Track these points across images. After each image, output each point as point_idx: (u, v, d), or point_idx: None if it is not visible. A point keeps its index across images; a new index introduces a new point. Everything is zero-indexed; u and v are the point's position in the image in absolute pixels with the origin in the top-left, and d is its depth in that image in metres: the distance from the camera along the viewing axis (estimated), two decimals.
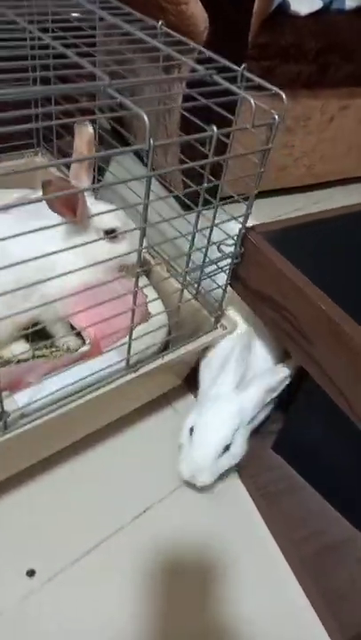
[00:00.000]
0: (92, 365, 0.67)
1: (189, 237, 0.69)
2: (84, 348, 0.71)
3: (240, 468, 0.80)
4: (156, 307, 0.79)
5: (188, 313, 0.81)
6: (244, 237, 0.72)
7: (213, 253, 0.73)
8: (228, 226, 0.71)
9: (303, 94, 1.28)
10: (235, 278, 0.77)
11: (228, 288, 0.78)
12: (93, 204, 0.75)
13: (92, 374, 0.66)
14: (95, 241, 0.66)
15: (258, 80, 0.63)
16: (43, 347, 0.80)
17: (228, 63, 0.65)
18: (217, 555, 0.71)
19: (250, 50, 1.11)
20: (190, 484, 0.75)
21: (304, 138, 1.37)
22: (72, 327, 0.77)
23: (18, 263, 0.47)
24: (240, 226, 0.70)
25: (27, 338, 0.81)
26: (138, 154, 1.43)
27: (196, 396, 0.88)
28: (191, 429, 0.73)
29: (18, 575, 0.65)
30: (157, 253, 0.90)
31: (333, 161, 1.50)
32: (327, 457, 0.77)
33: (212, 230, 0.70)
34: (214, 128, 0.56)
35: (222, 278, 0.77)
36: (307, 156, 1.42)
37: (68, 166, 0.85)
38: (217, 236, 0.72)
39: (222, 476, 0.76)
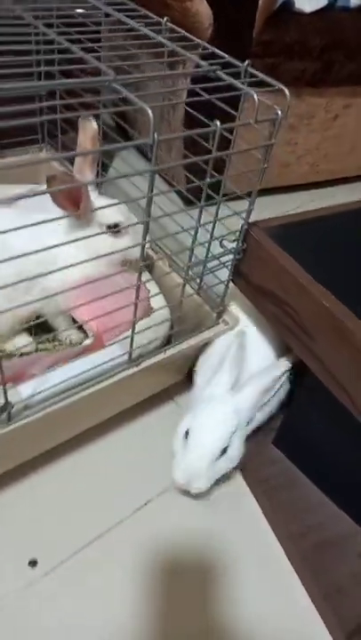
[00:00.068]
0: (94, 359, 0.67)
1: (192, 232, 0.69)
2: (87, 342, 0.71)
3: (241, 463, 0.80)
4: (158, 301, 0.80)
5: (190, 308, 0.81)
6: (246, 233, 0.73)
7: (215, 249, 0.74)
8: (230, 221, 0.72)
9: (307, 92, 1.28)
10: (237, 274, 0.78)
11: (230, 283, 0.79)
12: (97, 199, 0.75)
13: (95, 367, 0.66)
14: (98, 234, 0.67)
15: (261, 76, 0.64)
16: (45, 340, 0.81)
17: (231, 59, 0.66)
18: (217, 548, 0.72)
19: (254, 47, 1.12)
20: (185, 492, 0.72)
21: (308, 136, 1.37)
22: (75, 321, 0.77)
23: (19, 256, 0.47)
24: (243, 221, 0.71)
25: (30, 332, 0.82)
26: (142, 151, 1.44)
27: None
28: (186, 433, 0.71)
29: (20, 565, 0.66)
30: (160, 249, 0.90)
31: (337, 159, 1.50)
32: (328, 452, 0.78)
33: (214, 225, 0.70)
34: (218, 123, 0.57)
35: (224, 274, 0.78)
36: (310, 154, 1.42)
37: (72, 162, 0.86)
38: (219, 231, 0.72)
39: (222, 475, 0.74)
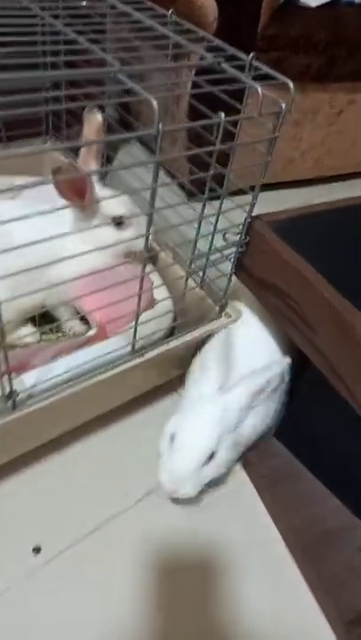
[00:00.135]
0: (98, 349, 0.68)
1: (195, 225, 0.69)
2: (91, 333, 0.72)
3: (243, 456, 0.81)
4: (161, 293, 0.80)
5: (192, 301, 0.82)
6: (249, 226, 0.73)
7: (218, 242, 0.74)
8: (233, 215, 0.72)
9: (312, 87, 1.28)
10: (239, 267, 0.78)
11: (233, 277, 0.79)
12: (101, 191, 0.76)
13: (98, 358, 0.67)
14: (102, 225, 0.67)
15: (266, 69, 0.64)
16: (49, 331, 0.81)
17: (236, 52, 0.66)
18: (218, 540, 0.73)
19: (259, 41, 1.11)
20: (172, 497, 0.70)
21: (312, 131, 1.37)
22: (78, 314, 0.78)
23: (23, 245, 0.48)
24: (246, 215, 0.71)
25: (33, 323, 0.82)
26: (146, 144, 1.44)
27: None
28: (172, 436, 0.67)
29: (24, 552, 0.66)
30: (165, 244, 0.91)
31: (341, 155, 1.50)
32: (329, 445, 0.78)
33: (218, 218, 0.70)
34: (222, 115, 0.57)
35: (227, 267, 0.78)
36: (314, 149, 1.42)
37: (77, 155, 0.86)
38: (222, 225, 0.73)
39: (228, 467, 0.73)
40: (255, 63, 0.64)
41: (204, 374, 0.71)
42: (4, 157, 0.73)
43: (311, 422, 0.80)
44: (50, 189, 0.68)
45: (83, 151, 0.78)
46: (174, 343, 0.75)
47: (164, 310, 0.78)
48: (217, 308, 0.81)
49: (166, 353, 0.74)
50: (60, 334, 0.83)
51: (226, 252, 0.75)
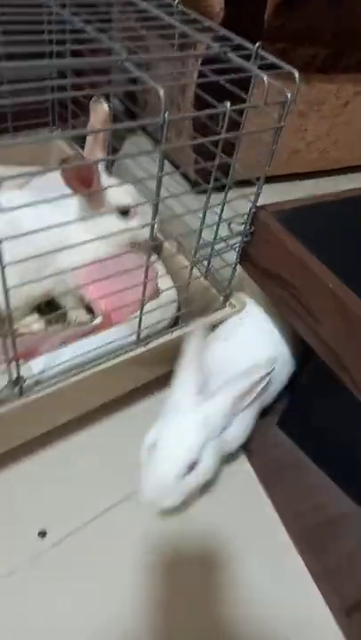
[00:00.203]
0: (103, 337, 0.69)
1: (200, 215, 0.70)
2: (97, 321, 0.73)
3: (246, 445, 0.82)
4: (165, 282, 0.81)
5: (197, 291, 0.82)
6: (254, 216, 0.73)
7: (223, 233, 0.74)
8: (238, 206, 0.72)
9: (318, 78, 1.28)
10: (244, 257, 0.78)
11: (238, 267, 0.80)
12: (107, 181, 0.76)
13: (104, 346, 0.68)
14: (107, 213, 0.68)
15: (271, 58, 0.64)
16: (54, 319, 0.82)
17: (242, 41, 0.66)
18: (221, 528, 0.73)
19: (265, 32, 1.11)
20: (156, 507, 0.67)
21: (318, 122, 1.36)
22: (84, 304, 0.79)
23: (30, 232, 0.48)
24: (251, 205, 0.71)
25: (40, 313, 0.83)
26: (152, 136, 1.44)
27: None
28: (153, 445, 0.64)
29: (30, 536, 0.68)
30: (170, 234, 0.91)
31: (347, 147, 1.50)
32: (332, 435, 0.79)
33: (223, 207, 0.71)
34: (227, 104, 0.58)
35: (231, 257, 0.78)
36: (320, 141, 1.41)
37: (83, 147, 0.87)
38: (227, 215, 0.73)
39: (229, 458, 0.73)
40: (261, 53, 0.65)
41: (181, 380, 0.68)
42: (12, 145, 0.73)
43: (313, 412, 0.81)
44: (57, 180, 0.69)
45: (89, 141, 0.79)
46: (178, 333, 0.76)
47: (168, 300, 0.78)
48: (221, 298, 0.82)
49: (170, 343, 0.74)
50: (65, 324, 0.84)
51: (231, 242, 0.75)
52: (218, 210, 0.71)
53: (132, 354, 0.71)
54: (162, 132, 0.51)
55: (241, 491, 0.79)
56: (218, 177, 0.68)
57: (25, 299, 0.74)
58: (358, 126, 1.45)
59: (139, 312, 0.69)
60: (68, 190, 0.70)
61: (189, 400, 0.65)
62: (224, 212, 0.72)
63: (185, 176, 1.21)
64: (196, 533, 0.72)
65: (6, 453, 0.72)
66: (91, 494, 0.73)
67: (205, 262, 0.81)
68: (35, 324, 0.78)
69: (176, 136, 1.26)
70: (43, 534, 0.67)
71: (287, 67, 0.62)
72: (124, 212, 0.76)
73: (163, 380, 0.90)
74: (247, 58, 0.64)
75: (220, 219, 0.72)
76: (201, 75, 0.69)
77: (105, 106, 0.75)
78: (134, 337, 0.71)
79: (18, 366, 0.57)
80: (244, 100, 0.65)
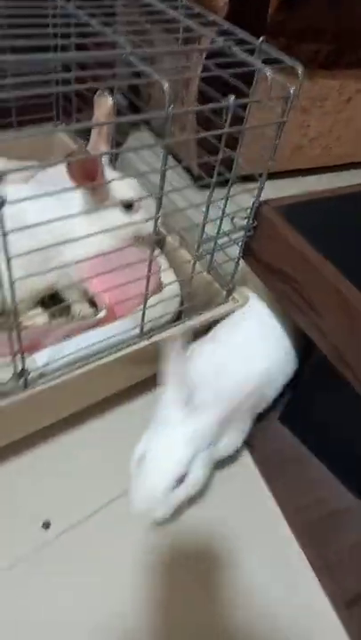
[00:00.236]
0: (107, 331, 0.69)
1: (203, 210, 0.70)
2: (101, 314, 0.73)
3: (248, 439, 0.82)
4: (168, 276, 0.81)
5: (200, 285, 0.83)
6: (257, 211, 0.73)
7: (226, 227, 0.75)
8: (241, 201, 0.73)
9: (320, 74, 1.27)
10: (247, 251, 0.79)
11: (241, 262, 0.80)
12: (111, 175, 0.76)
13: (108, 339, 0.68)
14: (111, 206, 0.68)
15: (275, 52, 0.64)
16: (58, 312, 0.82)
17: (246, 36, 0.66)
18: (223, 521, 0.73)
19: (268, 27, 1.11)
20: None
21: (320, 118, 1.36)
22: (88, 298, 0.79)
23: (34, 225, 0.49)
24: (254, 199, 0.71)
25: (43, 307, 0.84)
26: (155, 131, 1.44)
27: None
28: (142, 457, 0.63)
29: (34, 526, 0.68)
30: (172, 228, 0.91)
31: (350, 143, 1.49)
32: (334, 430, 0.79)
33: (226, 202, 0.71)
34: (231, 98, 0.58)
35: (234, 252, 0.79)
36: (323, 137, 1.41)
37: (87, 141, 0.87)
38: (231, 209, 0.73)
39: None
40: (265, 47, 0.65)
41: (167, 392, 0.66)
42: (16, 138, 0.73)
43: (316, 407, 0.81)
44: (61, 175, 0.69)
45: (93, 135, 0.79)
46: (181, 327, 0.76)
47: (171, 294, 0.79)
48: (224, 293, 0.82)
49: (173, 337, 0.74)
50: (69, 317, 0.84)
51: (233, 237, 0.76)
52: (221, 204, 0.72)
53: (135, 347, 0.71)
54: (166, 126, 0.51)
55: (242, 485, 0.79)
56: (221, 171, 0.68)
57: (29, 291, 0.74)
58: (360, 124, 1.45)
59: (142, 306, 0.69)
60: (72, 184, 0.70)
61: (178, 413, 0.63)
62: (227, 206, 0.73)
63: (187, 171, 1.21)
64: (196, 528, 0.72)
65: (9, 446, 0.72)
66: (92, 488, 0.74)
67: (208, 257, 0.81)
68: (38, 317, 0.78)
69: (180, 131, 1.26)
70: (47, 525, 0.68)
71: (291, 61, 0.62)
72: (128, 206, 0.77)
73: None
74: (251, 52, 0.64)
75: (223, 213, 0.72)
76: (205, 69, 0.69)
77: (109, 100, 0.76)
78: (138, 330, 0.71)
79: (23, 359, 0.58)
80: (247, 95, 0.65)
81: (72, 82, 0.59)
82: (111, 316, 0.73)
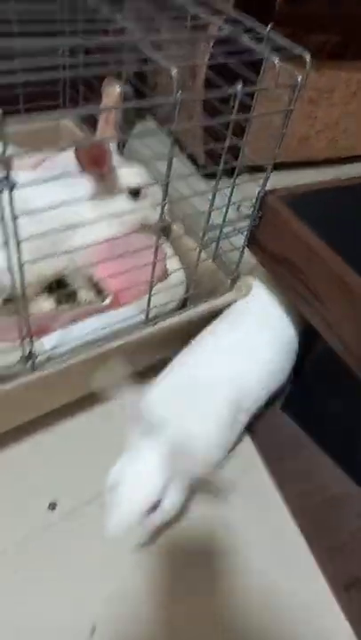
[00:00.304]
0: (113, 316, 0.70)
1: (209, 197, 0.71)
2: (107, 300, 0.74)
3: (251, 426, 0.83)
4: (174, 264, 0.82)
5: (204, 273, 0.83)
6: (262, 200, 0.74)
7: (232, 216, 0.75)
8: (247, 190, 0.73)
9: (328, 65, 1.27)
10: (252, 240, 0.79)
11: (246, 251, 0.80)
12: (119, 162, 0.77)
13: (113, 325, 0.69)
14: (118, 193, 0.68)
15: (282, 41, 0.64)
16: (64, 298, 0.83)
17: (253, 24, 0.66)
18: (225, 506, 0.74)
19: (276, 17, 1.10)
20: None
21: (327, 109, 1.36)
22: (94, 285, 0.80)
23: (41, 210, 0.49)
24: (259, 189, 0.72)
25: (50, 292, 0.84)
26: (161, 122, 1.44)
27: None
28: (116, 484, 0.60)
29: (40, 507, 0.69)
30: (178, 216, 0.92)
31: (357, 135, 1.49)
32: (335, 419, 0.80)
33: (232, 190, 0.71)
34: (238, 86, 0.58)
35: (239, 241, 0.79)
36: (329, 129, 1.41)
37: (94, 130, 0.87)
38: (237, 198, 0.73)
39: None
40: (272, 36, 0.65)
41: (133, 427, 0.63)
42: (24, 123, 0.73)
43: (318, 396, 0.82)
44: (69, 163, 0.70)
45: (101, 123, 0.79)
46: (185, 315, 0.77)
47: (176, 281, 0.79)
48: (229, 282, 0.83)
49: (178, 324, 0.76)
50: (75, 303, 0.85)
51: (239, 226, 0.76)
52: (227, 192, 0.72)
53: (141, 333, 0.72)
54: (174, 112, 0.51)
55: (243, 470, 0.80)
56: (227, 160, 0.68)
57: (37, 277, 0.75)
58: None
59: (148, 292, 0.70)
60: (80, 171, 0.71)
61: (149, 441, 0.61)
62: (233, 195, 0.73)
63: (192, 160, 1.21)
64: (198, 513, 0.73)
65: (20, 427, 0.73)
66: (100, 470, 0.74)
67: (213, 245, 0.82)
68: (45, 302, 0.79)
69: (187, 119, 1.26)
70: (53, 506, 0.69)
71: (298, 49, 0.62)
72: (135, 194, 0.77)
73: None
74: (259, 41, 0.64)
75: (229, 201, 0.73)
76: (212, 57, 0.70)
77: (117, 88, 0.76)
78: (143, 316, 0.72)
79: (31, 342, 0.59)
80: (254, 83, 0.65)
81: (80, 67, 0.59)
82: (116, 303, 0.74)
